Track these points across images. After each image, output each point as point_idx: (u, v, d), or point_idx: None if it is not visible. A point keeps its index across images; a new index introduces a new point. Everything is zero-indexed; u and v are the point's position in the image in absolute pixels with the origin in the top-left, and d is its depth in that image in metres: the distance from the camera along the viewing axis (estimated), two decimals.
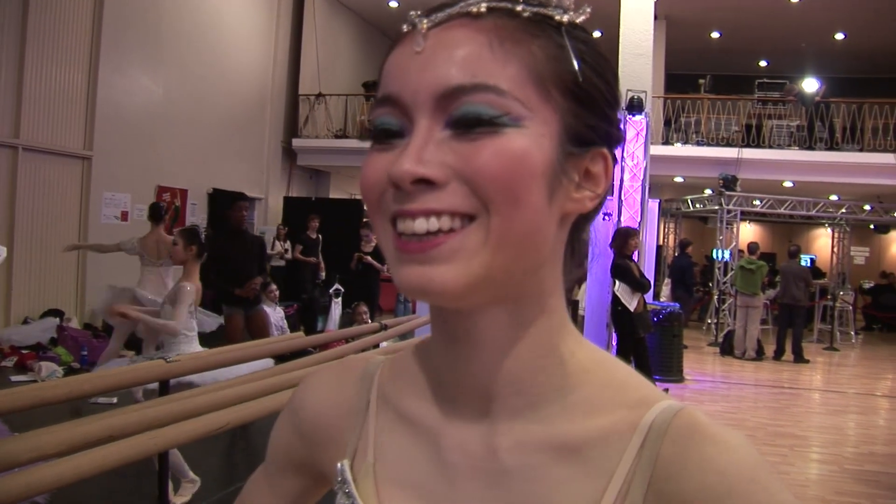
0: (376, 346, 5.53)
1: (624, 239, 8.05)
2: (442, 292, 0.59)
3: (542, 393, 0.67)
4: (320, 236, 12.45)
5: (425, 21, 0.62)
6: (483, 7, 0.61)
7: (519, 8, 0.62)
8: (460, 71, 0.59)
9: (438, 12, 0.62)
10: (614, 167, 0.68)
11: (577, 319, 9.91)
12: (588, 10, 0.66)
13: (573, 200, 0.65)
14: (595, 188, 0.66)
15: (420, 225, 0.59)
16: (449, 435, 0.69)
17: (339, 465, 0.74)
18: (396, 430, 0.73)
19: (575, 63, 0.62)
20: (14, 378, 7.78)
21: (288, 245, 13.04)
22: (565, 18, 0.63)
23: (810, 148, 14.27)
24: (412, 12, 0.63)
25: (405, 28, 0.64)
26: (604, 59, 0.66)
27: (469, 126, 0.58)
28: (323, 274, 12.38)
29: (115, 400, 6.05)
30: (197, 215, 13.25)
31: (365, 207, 0.67)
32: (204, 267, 5.20)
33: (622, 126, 0.71)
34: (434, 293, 0.59)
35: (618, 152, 0.71)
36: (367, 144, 0.64)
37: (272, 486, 0.84)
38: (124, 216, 11.52)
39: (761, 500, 0.59)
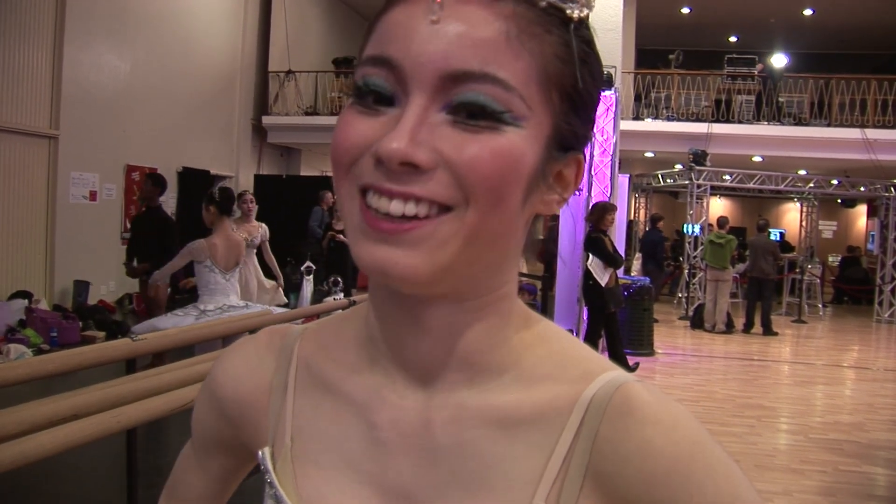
0: None
1: (601, 213, 8.04)
2: (404, 277, 0.57)
3: (482, 369, 0.65)
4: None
5: None
6: None
7: None
8: (473, 55, 0.55)
9: None
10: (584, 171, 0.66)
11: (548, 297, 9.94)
12: (594, 3, 0.63)
13: (543, 203, 0.63)
14: (564, 191, 0.65)
15: (396, 207, 0.56)
16: (381, 410, 0.66)
17: (259, 453, 0.72)
18: (321, 407, 0.70)
19: (577, 66, 0.60)
20: None
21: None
22: (576, 14, 0.60)
23: (778, 122, 14.40)
24: None
25: None
26: (599, 62, 0.64)
27: (470, 115, 0.56)
28: None
29: None
30: (166, 194, 13.09)
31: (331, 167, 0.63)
32: None
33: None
34: (396, 277, 0.57)
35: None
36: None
37: (203, 467, 0.82)
38: (93, 196, 11.38)
39: (702, 479, 0.59)
